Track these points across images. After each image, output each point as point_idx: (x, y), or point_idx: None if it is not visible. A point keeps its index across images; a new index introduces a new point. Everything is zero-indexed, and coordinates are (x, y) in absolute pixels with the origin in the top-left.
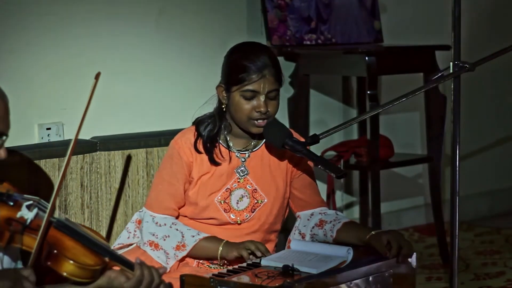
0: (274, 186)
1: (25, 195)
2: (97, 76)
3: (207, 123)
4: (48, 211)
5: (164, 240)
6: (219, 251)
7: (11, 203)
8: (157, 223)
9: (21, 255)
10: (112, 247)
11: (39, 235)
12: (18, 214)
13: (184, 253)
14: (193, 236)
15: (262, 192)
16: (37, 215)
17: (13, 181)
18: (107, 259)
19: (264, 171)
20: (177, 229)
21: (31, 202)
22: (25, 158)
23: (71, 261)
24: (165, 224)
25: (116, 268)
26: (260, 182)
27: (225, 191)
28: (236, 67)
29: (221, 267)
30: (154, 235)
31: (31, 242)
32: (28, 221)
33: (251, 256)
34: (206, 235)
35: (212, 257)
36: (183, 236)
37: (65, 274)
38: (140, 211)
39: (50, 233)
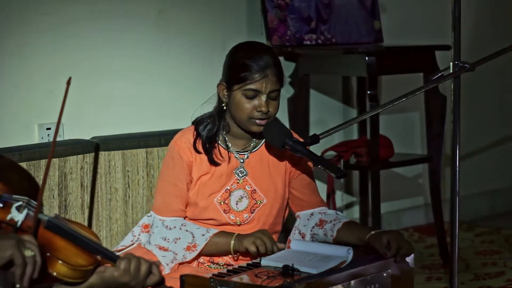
0: (273, 186)
1: (14, 196)
2: (69, 81)
3: (207, 123)
4: (35, 210)
5: (175, 243)
6: (232, 245)
7: (1, 205)
8: (167, 226)
9: None
10: (114, 249)
11: (29, 234)
12: (8, 217)
13: (195, 254)
14: (203, 235)
15: (261, 193)
16: (27, 216)
17: (5, 180)
18: (99, 257)
19: (263, 171)
20: (186, 230)
21: (20, 203)
22: (22, 158)
23: (63, 263)
24: (175, 227)
25: (108, 265)
26: (259, 183)
27: (225, 192)
28: (239, 66)
29: (221, 267)
30: (165, 239)
31: None
32: (19, 223)
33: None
34: (216, 231)
35: (225, 252)
36: (193, 237)
37: (55, 274)
38: (148, 216)
39: (42, 234)
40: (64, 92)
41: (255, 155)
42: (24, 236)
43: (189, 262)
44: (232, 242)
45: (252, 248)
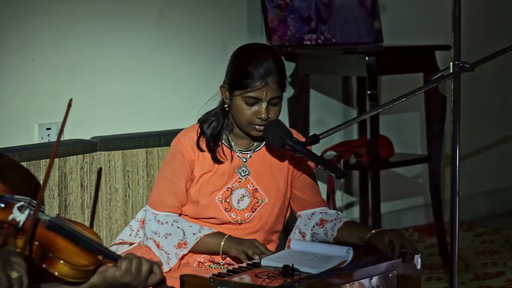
0: (275, 186)
1: (16, 196)
2: (69, 103)
3: (211, 121)
4: (34, 209)
5: (166, 238)
6: (221, 246)
7: (3, 205)
8: (159, 221)
9: None
10: (112, 243)
11: (28, 234)
12: (10, 217)
13: (185, 251)
14: (194, 234)
15: (263, 192)
16: (29, 216)
17: (6, 180)
18: (100, 257)
19: (265, 171)
20: (178, 227)
21: (22, 203)
22: (23, 158)
23: (64, 263)
24: (167, 222)
25: (109, 264)
26: (261, 182)
27: (226, 190)
28: (240, 72)
29: (222, 267)
30: (156, 233)
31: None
32: (21, 223)
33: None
34: (208, 231)
35: (215, 252)
36: (184, 234)
37: (57, 274)
38: (144, 210)
39: (43, 234)
40: (65, 113)
41: (258, 155)
42: (13, 258)
43: (185, 259)
44: (222, 243)
45: (242, 257)
